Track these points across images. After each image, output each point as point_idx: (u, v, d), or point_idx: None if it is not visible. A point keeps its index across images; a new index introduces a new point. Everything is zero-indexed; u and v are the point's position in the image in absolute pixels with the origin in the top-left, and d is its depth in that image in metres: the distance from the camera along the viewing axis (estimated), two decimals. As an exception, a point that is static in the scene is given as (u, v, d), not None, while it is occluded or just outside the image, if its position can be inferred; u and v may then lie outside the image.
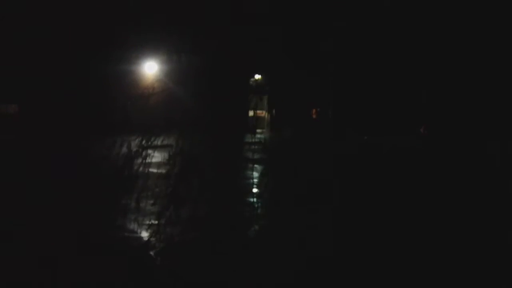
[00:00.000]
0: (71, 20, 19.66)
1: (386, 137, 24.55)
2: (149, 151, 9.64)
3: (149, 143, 9.69)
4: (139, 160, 8.68)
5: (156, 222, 6.28)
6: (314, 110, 31.97)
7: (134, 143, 8.76)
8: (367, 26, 24.62)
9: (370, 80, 27.11)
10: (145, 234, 5.75)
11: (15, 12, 23.27)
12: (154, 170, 8.62)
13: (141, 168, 8.74)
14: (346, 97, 28.98)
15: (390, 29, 25.14)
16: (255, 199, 8.34)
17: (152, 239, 5.58)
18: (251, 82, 25.45)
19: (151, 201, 7.02)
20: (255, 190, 9.44)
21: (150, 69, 20.15)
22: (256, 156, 13.37)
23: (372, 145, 21.77)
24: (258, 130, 30.47)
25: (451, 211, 7.48)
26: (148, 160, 9.18)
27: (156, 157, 8.52)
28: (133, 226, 6.03)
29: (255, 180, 10.69)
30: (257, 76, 25.56)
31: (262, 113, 30.11)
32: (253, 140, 14.11)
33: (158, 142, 9.02)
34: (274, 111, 29.27)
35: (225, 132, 12.02)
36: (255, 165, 12.31)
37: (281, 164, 12.90)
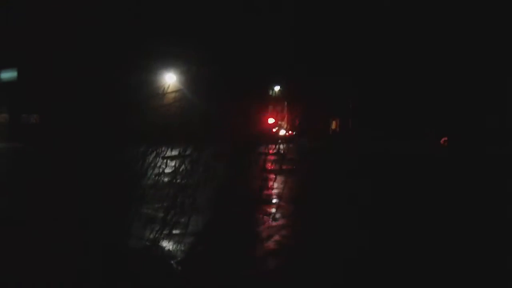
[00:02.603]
0: (92, 33, 19.87)
1: (406, 146, 24.37)
2: (168, 161, 9.66)
3: (168, 152, 9.69)
4: (158, 170, 8.68)
5: (176, 232, 6.26)
6: (334, 121, 31.95)
7: (154, 152, 8.75)
8: (385, 35, 24.52)
9: (389, 91, 26.99)
10: (165, 244, 5.73)
11: (37, 28, 23.62)
12: (173, 180, 8.62)
13: (159, 178, 8.74)
14: (366, 107, 28.88)
15: (407, 38, 25.04)
16: (275, 210, 8.30)
17: (173, 248, 5.56)
18: (270, 93, 25.41)
19: (172, 211, 7.00)
20: (275, 200, 9.40)
21: (170, 79, 20.25)
22: (275, 166, 13.33)
23: (392, 154, 21.59)
24: (278, 141, 30.45)
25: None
26: (167, 170, 9.19)
27: (175, 166, 8.51)
28: (152, 235, 6.01)
29: (275, 191, 10.66)
30: (277, 87, 25.54)
31: (282, 123, 30.10)
32: (273, 150, 14.02)
33: (177, 151, 9.01)
34: (294, 122, 29.23)
35: (244, 142, 11.95)
36: (275, 176, 12.28)
37: (301, 175, 12.85)
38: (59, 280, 4.35)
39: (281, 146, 11.74)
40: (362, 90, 27.29)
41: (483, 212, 7.67)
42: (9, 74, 29.44)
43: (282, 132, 28.78)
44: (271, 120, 24.17)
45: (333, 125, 31.84)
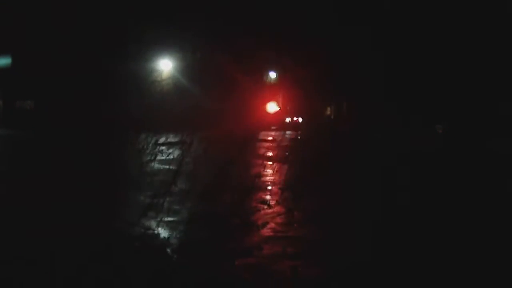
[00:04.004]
0: (87, 20, 19.74)
1: (402, 134, 24.39)
2: (163, 148, 9.66)
3: (164, 139, 9.68)
4: (152, 157, 8.69)
5: (172, 219, 6.28)
6: (329, 107, 31.99)
7: (149, 139, 8.75)
8: (380, 22, 24.46)
9: (382, 78, 26.97)
10: (161, 231, 5.74)
11: (31, 14, 23.40)
12: (169, 167, 8.63)
13: (155, 165, 8.74)
14: (360, 95, 28.88)
15: (398, 27, 24.99)
16: (270, 197, 8.31)
17: (169, 236, 5.57)
18: (266, 79, 25.40)
19: (168, 198, 7.02)
20: (269, 187, 9.41)
21: (165, 66, 20.17)
22: (269, 153, 13.34)
23: (386, 141, 21.63)
24: (273, 127, 30.66)
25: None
26: (163, 157, 9.18)
27: (171, 154, 8.50)
28: (149, 223, 6.03)
29: (269, 178, 10.68)
30: (273, 73, 25.50)
31: (278, 110, 30.16)
32: (267, 137, 13.99)
33: (173, 139, 9.00)
34: (289, 108, 29.28)
35: (239, 129, 11.99)
36: (269, 162, 12.30)
37: (295, 161, 12.88)
38: (55, 267, 4.37)
39: (282, 133, 11.72)
40: (358, 78, 27.26)
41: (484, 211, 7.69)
42: (3, 61, 29.26)
43: (288, 119, 29.01)
44: (275, 107, 24.30)
45: (328, 111, 31.91)
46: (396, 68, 26.71)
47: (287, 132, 23.14)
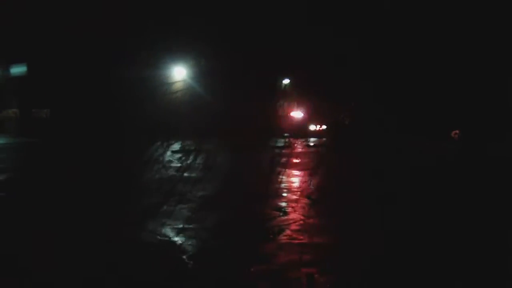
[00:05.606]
0: (102, 28, 19.91)
1: (415, 141, 24.21)
2: (179, 155, 9.66)
3: (179, 146, 9.68)
4: (168, 164, 8.69)
5: (189, 226, 6.27)
6: (343, 115, 31.79)
7: (164, 147, 8.74)
8: (391, 28, 24.38)
9: (394, 84, 26.81)
10: (177, 238, 5.73)
11: (47, 23, 23.64)
12: (186, 174, 8.63)
13: (171, 172, 8.74)
14: (372, 102, 28.74)
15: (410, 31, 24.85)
16: (286, 204, 8.27)
17: (185, 243, 5.55)
18: (279, 85, 25.32)
19: (183, 205, 7.01)
20: (285, 194, 9.37)
21: (179, 74, 20.25)
22: (285, 160, 13.28)
23: (399, 149, 21.50)
24: (286, 134, 30.58)
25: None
26: (179, 164, 9.19)
27: (187, 161, 8.48)
28: (165, 230, 6.02)
29: (285, 184, 10.64)
30: (286, 80, 25.41)
31: (300, 117, 30.07)
32: (283, 144, 13.94)
33: (189, 146, 8.99)
34: (311, 115, 29.19)
35: (254, 136, 11.95)
36: (285, 169, 12.26)
37: (311, 168, 12.83)
38: (70, 275, 4.37)
39: (305, 140, 11.68)
40: (367, 86, 27.16)
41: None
42: (19, 69, 29.61)
43: (312, 127, 28.92)
44: (297, 114, 24.18)
45: (341, 118, 31.72)
46: (409, 76, 26.57)
47: (311, 139, 23.16)
